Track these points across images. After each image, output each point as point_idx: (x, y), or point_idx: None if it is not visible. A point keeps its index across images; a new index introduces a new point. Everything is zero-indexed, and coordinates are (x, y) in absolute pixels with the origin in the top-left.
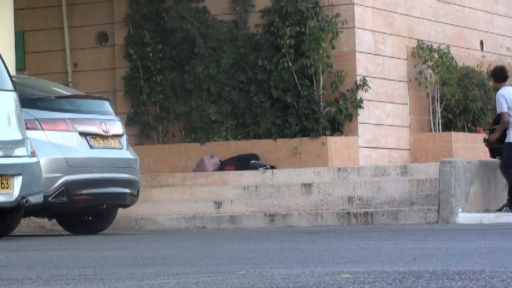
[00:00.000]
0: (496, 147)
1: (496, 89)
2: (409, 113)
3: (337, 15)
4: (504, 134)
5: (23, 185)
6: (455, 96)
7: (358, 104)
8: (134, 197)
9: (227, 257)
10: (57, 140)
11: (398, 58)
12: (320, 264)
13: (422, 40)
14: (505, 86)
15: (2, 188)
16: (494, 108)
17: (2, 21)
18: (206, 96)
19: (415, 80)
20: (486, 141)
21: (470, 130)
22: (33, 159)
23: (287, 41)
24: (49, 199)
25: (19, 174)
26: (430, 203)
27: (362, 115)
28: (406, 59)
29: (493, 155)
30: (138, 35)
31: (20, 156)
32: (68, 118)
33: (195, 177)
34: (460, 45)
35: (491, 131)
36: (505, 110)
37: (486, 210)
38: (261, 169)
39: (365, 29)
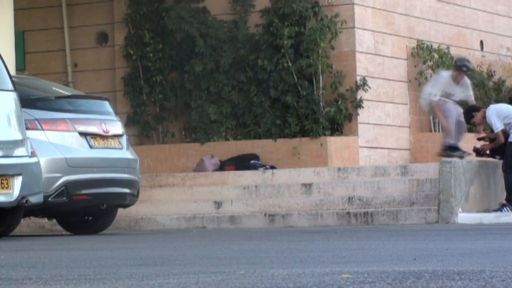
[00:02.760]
0: (487, 154)
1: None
2: (409, 113)
3: (337, 15)
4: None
5: (23, 185)
6: None
7: (358, 104)
8: (134, 197)
9: (227, 257)
10: (57, 140)
11: (398, 58)
12: (320, 264)
13: (422, 40)
14: (490, 106)
15: (2, 188)
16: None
17: (2, 21)
18: (206, 96)
19: (415, 80)
20: (476, 150)
21: (470, 130)
22: (33, 159)
23: (286, 42)
24: (49, 199)
25: (19, 174)
26: (430, 203)
27: (362, 115)
28: (406, 59)
29: (492, 154)
30: (138, 35)
31: (20, 156)
32: (68, 118)
33: (195, 177)
34: (460, 45)
35: (480, 139)
36: (501, 128)
37: (486, 210)
38: (261, 169)
39: (365, 29)
